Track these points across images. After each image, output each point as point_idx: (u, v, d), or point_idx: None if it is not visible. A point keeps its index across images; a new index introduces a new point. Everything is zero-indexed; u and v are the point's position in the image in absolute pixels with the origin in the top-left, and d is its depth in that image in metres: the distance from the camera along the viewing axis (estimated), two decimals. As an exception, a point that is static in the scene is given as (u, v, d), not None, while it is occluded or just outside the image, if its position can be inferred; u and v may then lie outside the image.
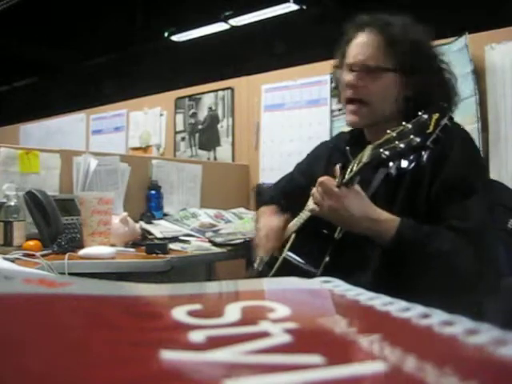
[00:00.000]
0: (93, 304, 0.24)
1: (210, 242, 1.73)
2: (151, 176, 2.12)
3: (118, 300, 0.25)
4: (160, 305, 0.26)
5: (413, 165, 0.84)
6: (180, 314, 0.22)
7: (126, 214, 1.63)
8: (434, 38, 1.08)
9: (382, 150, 0.85)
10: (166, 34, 5.44)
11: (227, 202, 2.28)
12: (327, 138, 1.78)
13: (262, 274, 1.20)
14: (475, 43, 1.77)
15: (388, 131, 0.86)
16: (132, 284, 0.30)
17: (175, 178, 2.22)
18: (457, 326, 0.20)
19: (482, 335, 0.19)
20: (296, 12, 4.72)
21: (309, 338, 0.21)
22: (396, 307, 0.23)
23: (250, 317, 0.22)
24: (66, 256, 1.29)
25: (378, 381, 0.16)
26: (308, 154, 1.36)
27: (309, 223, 1.08)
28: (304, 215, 1.12)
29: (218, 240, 1.72)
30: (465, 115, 1.76)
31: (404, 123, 0.84)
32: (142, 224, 1.84)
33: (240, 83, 2.66)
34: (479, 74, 1.75)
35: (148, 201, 2.06)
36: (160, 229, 1.83)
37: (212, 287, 0.30)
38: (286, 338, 0.19)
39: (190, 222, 1.95)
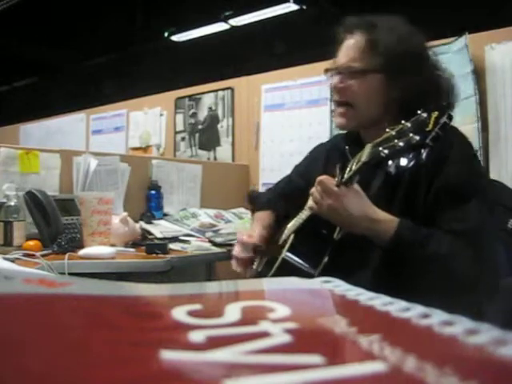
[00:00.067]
0: (93, 304, 0.24)
1: (210, 241, 1.73)
2: (151, 176, 2.12)
3: (118, 300, 0.25)
4: (160, 305, 0.26)
5: (412, 163, 0.84)
6: (180, 313, 0.22)
7: (125, 214, 1.63)
8: (428, 38, 1.07)
9: (381, 149, 0.85)
10: (166, 34, 5.44)
11: (227, 202, 2.28)
12: (327, 138, 1.78)
13: (261, 274, 1.20)
14: (475, 43, 1.77)
15: (387, 130, 0.86)
16: (132, 284, 0.30)
17: (175, 178, 2.22)
18: (457, 326, 0.20)
19: (482, 335, 0.19)
20: (296, 12, 4.72)
21: (309, 338, 0.21)
22: (396, 307, 0.23)
23: (250, 317, 0.22)
24: (66, 256, 1.29)
25: (378, 381, 0.16)
26: (306, 156, 1.36)
27: (308, 223, 1.08)
28: (303, 215, 1.12)
29: (218, 240, 1.73)
30: (465, 115, 1.76)
31: (403, 122, 0.84)
32: (142, 224, 1.84)
33: (240, 83, 2.66)
34: (479, 74, 1.75)
35: (148, 201, 2.06)
36: (160, 229, 1.83)
37: (212, 287, 0.30)
38: (286, 338, 0.19)
39: (189, 222, 1.95)
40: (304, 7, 4.68)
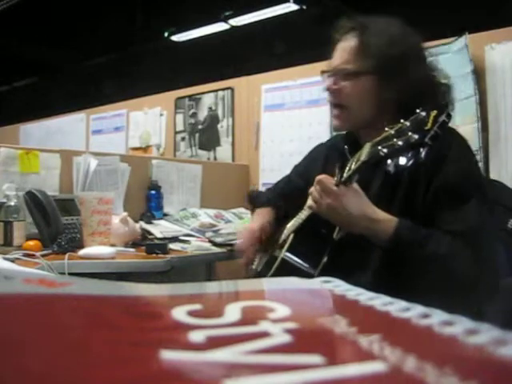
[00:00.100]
0: (93, 304, 0.24)
1: (210, 241, 1.73)
2: (151, 176, 2.12)
3: (118, 300, 0.25)
4: (160, 305, 0.26)
5: (411, 162, 0.84)
6: (180, 313, 0.22)
7: (125, 214, 1.63)
8: (427, 38, 1.08)
9: (380, 148, 0.85)
10: (166, 34, 5.44)
11: (227, 202, 2.28)
12: (327, 138, 1.77)
13: (260, 274, 1.20)
14: (475, 43, 1.77)
15: (386, 128, 0.86)
16: (132, 284, 0.30)
17: (175, 178, 2.22)
18: (457, 326, 0.20)
19: (482, 335, 0.19)
20: (296, 12, 4.72)
21: (309, 338, 0.21)
22: (396, 307, 0.23)
23: (250, 317, 0.22)
24: (66, 256, 1.29)
25: (378, 381, 0.16)
26: (305, 156, 1.36)
27: (307, 223, 1.08)
28: (302, 215, 1.12)
29: (218, 240, 1.73)
30: (465, 115, 1.76)
31: (402, 120, 0.84)
32: (142, 224, 1.84)
33: (240, 83, 2.66)
34: (479, 74, 1.75)
35: (148, 201, 2.06)
36: (160, 229, 1.83)
37: (212, 287, 0.30)
38: (286, 338, 0.19)
39: (189, 222, 1.95)
40: (304, 7, 4.68)
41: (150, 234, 1.78)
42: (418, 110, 0.82)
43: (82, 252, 1.36)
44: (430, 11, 4.10)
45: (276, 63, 2.78)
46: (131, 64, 6.16)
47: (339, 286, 0.28)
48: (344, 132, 1.20)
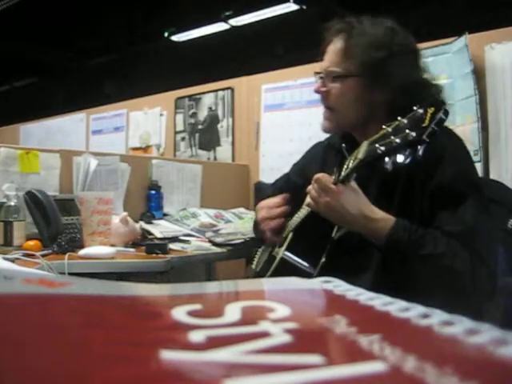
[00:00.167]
0: (93, 304, 0.24)
1: (210, 241, 1.73)
2: (151, 176, 2.12)
3: (117, 300, 0.25)
4: (160, 305, 0.26)
5: (409, 160, 0.84)
6: (180, 313, 0.22)
7: (125, 213, 1.63)
8: (417, 41, 1.07)
9: (377, 146, 0.85)
10: (166, 34, 5.44)
11: (227, 201, 2.28)
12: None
13: (259, 273, 1.20)
14: (475, 43, 1.77)
15: (383, 126, 0.86)
16: (132, 284, 0.30)
17: (175, 178, 2.22)
18: (457, 326, 0.20)
19: (482, 335, 0.19)
20: (296, 12, 4.72)
21: (309, 338, 0.21)
22: (396, 307, 0.23)
23: (250, 317, 0.22)
24: (66, 256, 1.29)
25: (378, 381, 0.16)
26: (304, 154, 1.36)
27: (306, 222, 1.08)
28: (301, 214, 1.12)
29: (218, 240, 1.73)
30: (465, 115, 1.76)
31: (399, 118, 0.84)
32: (142, 224, 1.84)
33: (240, 83, 2.66)
34: (479, 74, 1.75)
35: (148, 201, 2.06)
36: (160, 229, 1.83)
37: (212, 287, 0.30)
38: (286, 338, 0.19)
39: (189, 222, 1.95)
40: (304, 7, 4.68)
41: (150, 234, 1.78)
42: (415, 108, 0.82)
43: (81, 252, 1.36)
44: (431, 11, 4.10)
45: (276, 63, 2.77)
46: (131, 64, 6.16)
47: (339, 286, 0.28)
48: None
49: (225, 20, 5.04)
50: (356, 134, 1.10)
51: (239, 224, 1.98)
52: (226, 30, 5.23)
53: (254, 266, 1.28)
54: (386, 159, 0.87)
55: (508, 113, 1.72)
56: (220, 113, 2.72)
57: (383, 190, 1.02)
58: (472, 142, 1.71)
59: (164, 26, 5.38)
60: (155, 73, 5.73)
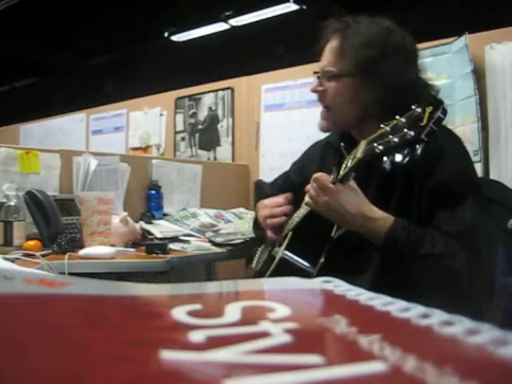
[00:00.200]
0: (93, 304, 0.24)
1: (210, 241, 1.73)
2: (151, 176, 2.12)
3: (117, 300, 0.25)
4: (160, 305, 0.26)
5: (407, 159, 0.84)
6: (180, 313, 0.22)
7: (125, 213, 1.63)
8: (417, 41, 1.07)
9: (375, 145, 0.85)
10: (166, 34, 5.44)
11: (227, 201, 2.28)
12: (327, 138, 1.77)
13: (259, 273, 1.20)
14: (475, 43, 1.77)
15: (382, 125, 0.86)
16: (132, 284, 0.30)
17: (175, 178, 2.22)
18: (457, 326, 0.20)
19: (482, 335, 0.19)
20: (296, 12, 4.72)
21: (309, 338, 0.21)
22: (396, 307, 0.23)
23: (250, 317, 0.22)
24: (66, 256, 1.29)
25: (378, 381, 0.16)
26: (303, 153, 1.36)
27: (305, 221, 1.08)
28: (301, 213, 1.12)
29: (218, 240, 1.72)
30: (465, 115, 1.76)
31: (397, 117, 0.84)
32: (142, 224, 1.84)
33: (240, 83, 2.66)
34: (479, 74, 1.75)
35: (148, 201, 2.06)
36: (160, 229, 1.83)
37: (212, 287, 0.30)
38: (286, 338, 0.19)
39: (189, 222, 1.95)
40: (304, 7, 4.67)
41: (150, 234, 1.78)
42: (413, 106, 0.82)
43: (82, 252, 1.36)
44: (430, 11, 4.10)
45: (276, 63, 2.78)
46: (131, 64, 6.16)
47: (339, 286, 0.28)
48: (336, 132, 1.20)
49: (225, 20, 5.04)
50: (354, 133, 1.10)
51: (239, 224, 1.98)
52: (225, 30, 5.23)
53: (253, 266, 1.28)
54: (385, 158, 0.87)
55: (508, 113, 1.72)
56: (220, 113, 2.72)
57: (382, 189, 1.02)
58: (472, 142, 1.71)
59: (164, 26, 5.38)
60: (155, 73, 5.73)
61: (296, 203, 1.15)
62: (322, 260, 1.03)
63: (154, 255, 1.46)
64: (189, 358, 0.17)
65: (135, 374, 0.16)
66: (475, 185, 1.00)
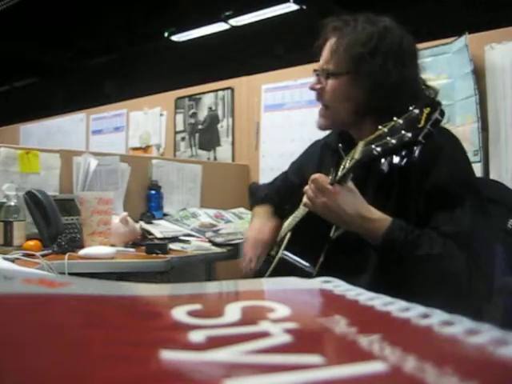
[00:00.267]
0: (93, 304, 0.24)
1: (210, 241, 1.73)
2: (151, 176, 2.12)
3: (117, 300, 0.25)
4: (160, 305, 0.26)
5: (405, 161, 0.84)
6: (180, 313, 0.22)
7: (125, 213, 1.63)
8: (417, 40, 1.06)
9: (373, 147, 0.85)
10: (166, 34, 5.44)
11: (227, 201, 2.28)
12: (327, 138, 1.77)
13: (259, 273, 1.20)
14: (475, 43, 1.77)
15: (380, 127, 0.86)
16: (132, 284, 0.30)
17: (175, 178, 2.22)
18: (457, 326, 0.20)
19: (482, 335, 0.19)
20: (296, 12, 4.72)
21: (309, 338, 0.21)
22: (396, 307, 0.23)
23: (250, 317, 0.22)
24: (66, 256, 1.29)
25: (378, 381, 0.16)
26: (302, 153, 1.36)
27: (304, 221, 1.09)
28: (299, 214, 1.12)
29: (218, 240, 1.73)
30: (465, 115, 1.76)
31: (395, 118, 0.84)
32: (142, 224, 1.84)
33: (240, 83, 2.66)
34: (479, 74, 1.75)
35: (148, 201, 2.06)
36: (160, 229, 1.83)
37: (212, 287, 0.30)
38: (286, 338, 0.19)
39: (189, 222, 1.95)
40: (304, 7, 4.67)
41: (150, 234, 1.78)
42: (410, 108, 0.82)
43: (82, 252, 1.36)
44: (430, 11, 4.10)
45: (276, 63, 2.78)
46: (131, 64, 6.16)
47: (339, 286, 0.28)
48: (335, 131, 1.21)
49: (225, 20, 5.04)
50: (352, 133, 1.11)
51: (239, 224, 1.98)
52: (225, 30, 5.23)
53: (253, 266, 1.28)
54: (382, 160, 0.87)
55: (508, 113, 1.72)
56: (220, 113, 2.72)
57: (380, 190, 1.02)
58: (472, 142, 1.71)
59: (164, 26, 5.38)
60: (155, 73, 5.73)
61: (294, 204, 1.15)
62: (322, 259, 1.03)
63: (154, 255, 1.46)
64: (189, 358, 0.17)
65: (135, 374, 0.16)
66: (473, 185, 1.00)
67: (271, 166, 2.44)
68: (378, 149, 0.84)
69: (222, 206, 2.19)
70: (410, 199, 0.99)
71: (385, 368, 0.17)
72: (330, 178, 0.95)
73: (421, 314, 0.22)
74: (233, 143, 2.66)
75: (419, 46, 1.08)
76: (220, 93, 2.72)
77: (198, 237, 1.80)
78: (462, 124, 1.76)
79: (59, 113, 3.76)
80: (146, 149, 3.03)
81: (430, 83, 1.07)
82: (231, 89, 2.68)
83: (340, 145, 1.12)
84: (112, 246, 1.50)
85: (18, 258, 1.23)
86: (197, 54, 5.50)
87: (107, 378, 0.15)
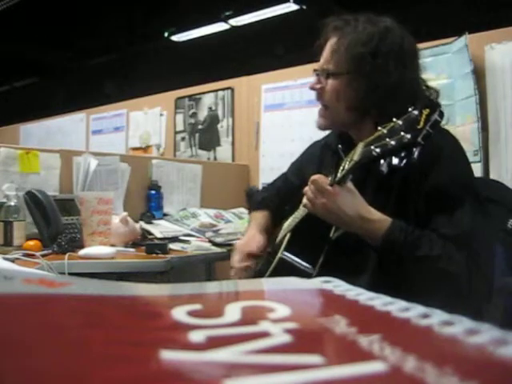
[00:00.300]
0: (93, 304, 0.24)
1: (210, 241, 1.73)
2: (151, 176, 2.12)
3: (117, 300, 0.25)
4: (160, 305, 0.26)
5: (404, 162, 0.84)
6: (180, 313, 0.22)
7: (125, 213, 1.63)
8: (417, 40, 1.06)
9: (373, 148, 0.85)
10: (166, 34, 5.44)
11: (227, 202, 2.28)
12: (327, 138, 1.77)
13: (259, 273, 1.20)
14: (475, 43, 1.77)
15: (379, 128, 0.86)
16: (132, 284, 0.30)
17: (175, 178, 2.22)
18: (457, 326, 0.20)
19: (482, 335, 0.19)
20: (296, 12, 4.72)
21: (309, 338, 0.21)
22: (396, 307, 0.23)
23: (250, 317, 0.22)
24: (66, 256, 1.29)
25: (378, 381, 0.16)
26: (301, 154, 1.36)
27: (304, 222, 1.08)
28: (299, 215, 1.12)
29: (218, 240, 1.73)
30: (465, 115, 1.76)
31: (394, 119, 0.84)
32: (142, 224, 1.84)
33: (240, 83, 2.66)
34: (479, 74, 1.75)
35: (148, 201, 2.06)
36: (160, 229, 1.83)
37: (212, 287, 0.30)
38: (286, 338, 0.19)
39: (189, 222, 1.95)
40: (304, 7, 4.67)
41: (150, 234, 1.78)
42: (410, 109, 0.82)
43: (82, 252, 1.36)
44: (430, 11, 4.10)
45: (276, 63, 2.78)
46: (131, 64, 6.16)
47: (339, 286, 0.28)
48: (335, 132, 1.21)
49: (225, 20, 5.05)
50: (352, 134, 1.11)
51: (239, 224, 1.98)
52: (225, 30, 5.23)
53: (253, 266, 1.28)
54: (382, 161, 0.87)
55: (508, 113, 1.72)
56: (220, 113, 2.72)
57: (379, 191, 1.02)
58: (472, 142, 1.71)
59: (164, 26, 5.38)
60: (155, 73, 5.73)
61: (294, 204, 1.15)
62: (322, 259, 1.03)
63: (154, 255, 1.46)
64: (189, 358, 0.17)
65: (135, 374, 0.16)
66: (472, 187, 1.00)
67: (271, 165, 2.44)
68: (378, 150, 0.84)
69: (222, 206, 2.19)
70: (409, 200, 0.99)
71: (385, 368, 0.17)
72: (330, 178, 0.95)
73: (421, 314, 0.22)
74: (233, 143, 2.66)
75: (419, 45, 1.08)
76: (220, 93, 2.72)
77: (197, 237, 1.80)
78: (461, 124, 1.76)
79: (59, 113, 3.76)
80: (145, 149, 3.03)
81: (430, 83, 1.07)
82: (231, 89, 2.68)
83: (339, 146, 1.12)
84: (112, 246, 1.50)
85: (18, 258, 1.23)
86: (197, 54, 5.50)
87: (107, 377, 0.15)
